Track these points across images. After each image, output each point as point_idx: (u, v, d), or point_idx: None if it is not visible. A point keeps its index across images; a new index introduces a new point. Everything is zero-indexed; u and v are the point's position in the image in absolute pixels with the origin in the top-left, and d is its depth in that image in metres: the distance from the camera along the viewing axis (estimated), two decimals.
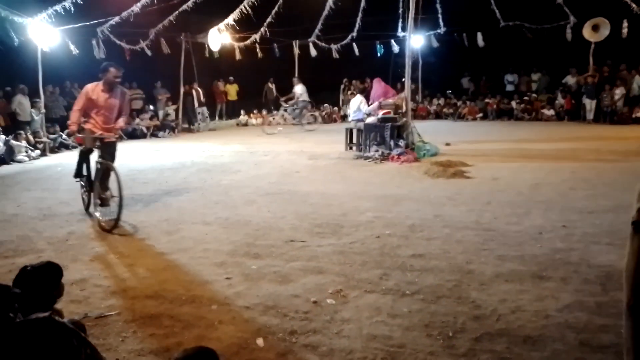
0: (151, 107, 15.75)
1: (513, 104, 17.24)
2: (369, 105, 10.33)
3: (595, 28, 13.77)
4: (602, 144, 10.34)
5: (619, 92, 14.79)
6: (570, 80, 16.38)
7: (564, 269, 3.64)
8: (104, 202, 5.29)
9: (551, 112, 16.35)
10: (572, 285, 3.37)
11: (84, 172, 5.63)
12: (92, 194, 5.40)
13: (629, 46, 14.01)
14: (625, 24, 13.16)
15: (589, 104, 15.11)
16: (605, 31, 13.64)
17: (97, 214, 5.20)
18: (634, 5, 11.97)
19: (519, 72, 18.41)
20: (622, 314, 1.70)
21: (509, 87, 18.37)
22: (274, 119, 16.35)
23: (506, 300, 3.16)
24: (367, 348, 2.64)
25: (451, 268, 3.73)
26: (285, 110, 15.61)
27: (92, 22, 11.04)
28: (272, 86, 18.61)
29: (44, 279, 2.27)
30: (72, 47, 10.80)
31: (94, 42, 11.63)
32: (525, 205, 5.48)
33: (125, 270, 3.88)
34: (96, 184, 5.27)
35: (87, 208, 5.70)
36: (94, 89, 5.40)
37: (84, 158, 5.60)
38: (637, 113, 14.32)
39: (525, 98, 17.22)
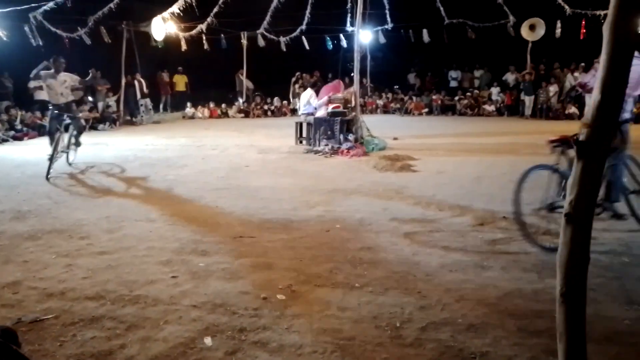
0: (90, 99, 15.01)
1: (456, 99, 17.87)
2: (319, 99, 10.36)
3: (532, 28, 14.51)
4: (538, 138, 10.85)
5: (552, 89, 15.68)
6: (509, 77, 17.19)
7: (504, 259, 3.82)
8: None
9: (492, 107, 17.09)
10: (511, 273, 3.54)
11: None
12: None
13: (562, 46, 14.86)
14: (558, 24, 13.94)
15: (528, 100, 15.93)
16: (540, 31, 14.41)
17: None
18: (566, 6, 12.68)
19: (462, 68, 19.07)
20: (556, 301, 1.79)
21: (453, 84, 19.00)
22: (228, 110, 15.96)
23: (450, 289, 3.27)
24: (316, 342, 2.65)
25: (399, 260, 3.82)
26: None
27: (23, 7, 10.34)
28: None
29: None
30: (1, 33, 10.08)
31: (26, 28, 10.92)
32: (468, 198, 5.70)
33: (64, 271, 3.67)
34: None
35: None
36: None
37: None
38: (570, 109, 15.23)
39: (468, 94, 17.88)
